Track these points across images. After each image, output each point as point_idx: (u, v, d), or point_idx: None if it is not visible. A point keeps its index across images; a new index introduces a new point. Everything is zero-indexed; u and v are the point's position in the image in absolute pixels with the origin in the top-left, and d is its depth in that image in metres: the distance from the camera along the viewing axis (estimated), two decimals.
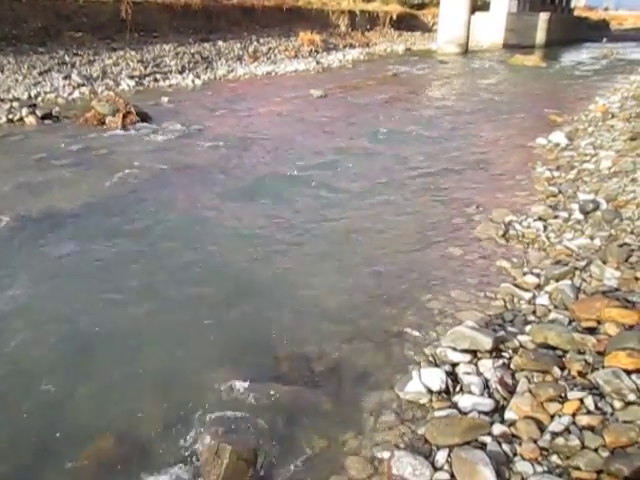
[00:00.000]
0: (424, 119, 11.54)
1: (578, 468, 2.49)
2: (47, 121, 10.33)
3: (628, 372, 2.88)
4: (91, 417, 3.15)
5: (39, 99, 12.34)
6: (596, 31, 47.85)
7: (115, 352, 3.70)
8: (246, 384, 3.36)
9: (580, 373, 3.04)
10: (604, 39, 40.48)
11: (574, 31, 40.83)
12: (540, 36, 33.25)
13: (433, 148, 9.12)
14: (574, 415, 2.75)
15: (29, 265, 4.84)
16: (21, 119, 10.27)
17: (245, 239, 5.50)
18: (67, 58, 14.84)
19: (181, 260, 5.03)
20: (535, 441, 2.70)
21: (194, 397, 3.27)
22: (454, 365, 3.40)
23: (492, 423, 2.87)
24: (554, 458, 2.58)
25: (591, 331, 3.43)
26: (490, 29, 33.04)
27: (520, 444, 2.71)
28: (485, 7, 34.99)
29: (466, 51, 28.45)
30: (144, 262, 4.96)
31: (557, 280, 4.35)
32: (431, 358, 3.56)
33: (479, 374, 3.27)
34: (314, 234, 5.66)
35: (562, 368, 3.14)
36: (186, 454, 2.89)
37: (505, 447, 2.70)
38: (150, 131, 9.89)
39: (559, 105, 12.70)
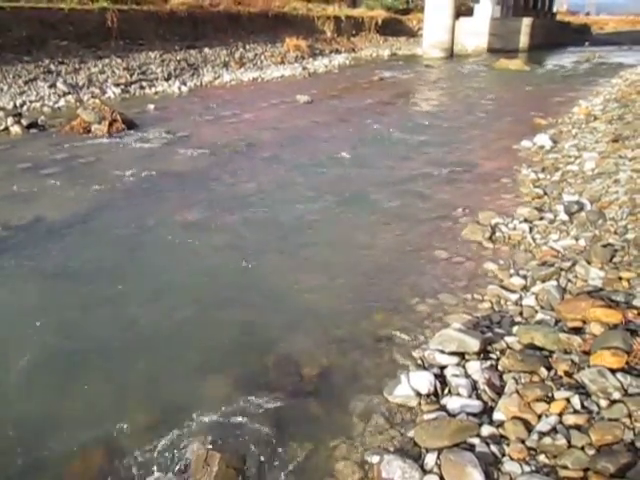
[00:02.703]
0: (410, 123, 11.61)
1: (565, 467, 2.51)
2: (33, 130, 10.26)
3: (613, 371, 2.91)
4: (77, 428, 3.12)
5: (24, 108, 12.25)
6: (578, 35, 48.52)
7: (101, 360, 3.67)
8: (234, 390, 3.35)
9: (566, 373, 3.07)
10: (586, 43, 41.07)
11: (557, 35, 41.38)
12: (523, 40, 33.67)
13: (419, 152, 9.18)
14: (561, 415, 2.77)
15: (5, 276, 4.79)
16: (6, 129, 10.19)
17: (232, 247, 5.48)
18: (52, 67, 14.76)
19: (166, 268, 5.01)
20: (523, 441, 2.71)
21: (182, 405, 3.25)
22: (442, 368, 3.42)
23: (480, 424, 2.88)
24: (542, 458, 2.60)
25: (577, 331, 3.46)
26: (474, 34, 33.39)
27: (508, 444, 2.72)
28: (469, 12, 35.35)
29: (451, 55, 28.71)
30: (129, 270, 4.93)
31: (543, 281, 4.39)
32: (419, 361, 3.57)
33: (467, 376, 3.29)
34: (300, 240, 5.66)
35: (549, 368, 3.16)
36: (175, 462, 2.87)
37: (493, 448, 2.71)
38: (136, 139, 9.86)
39: (543, 108, 12.85)
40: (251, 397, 3.29)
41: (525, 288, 4.46)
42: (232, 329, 4.06)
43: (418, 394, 3.22)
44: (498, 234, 5.61)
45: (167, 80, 16.34)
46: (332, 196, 6.96)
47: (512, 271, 4.80)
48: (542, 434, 2.69)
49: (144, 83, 15.56)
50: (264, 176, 7.78)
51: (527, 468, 2.56)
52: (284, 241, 5.63)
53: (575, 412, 2.76)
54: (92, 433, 3.05)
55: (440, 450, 2.74)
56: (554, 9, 47.82)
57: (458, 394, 3.16)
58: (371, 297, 4.49)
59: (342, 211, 6.47)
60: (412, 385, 3.26)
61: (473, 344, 3.47)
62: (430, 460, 2.71)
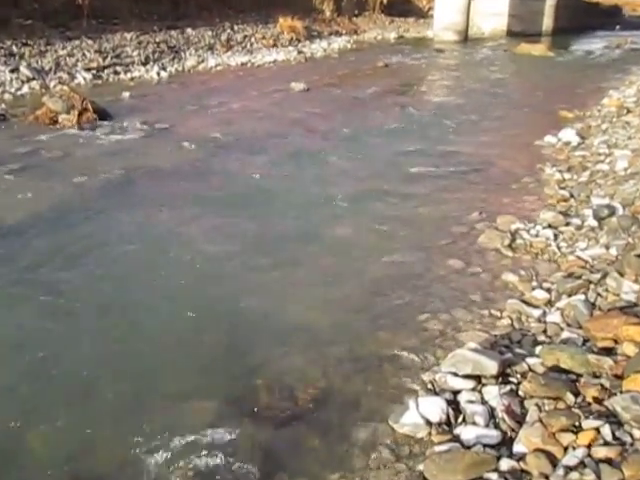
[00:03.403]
0: (419, 115, 11.66)
1: None
2: None
3: None
4: (46, 457, 3.10)
5: None
6: (608, 18, 48.75)
7: (73, 382, 3.67)
8: (218, 419, 3.34)
9: (596, 399, 3.07)
10: (617, 26, 41.25)
11: (584, 18, 41.57)
12: (547, 23, 33.81)
13: (430, 148, 9.21)
14: (589, 447, 2.77)
15: None
16: None
17: (218, 252, 5.48)
18: (15, 49, 14.74)
19: (143, 278, 5.01)
20: (547, 477, 2.71)
21: (156, 436, 3.23)
22: (456, 393, 3.42)
23: (499, 458, 2.88)
24: None
25: (607, 352, 3.47)
26: (492, 15, 33.55)
27: None
28: None
29: (465, 39, 28.82)
30: (99, 283, 4.93)
31: (569, 295, 4.41)
32: (430, 385, 3.57)
33: (484, 402, 3.29)
34: (296, 245, 5.66)
35: (576, 394, 3.17)
36: None
37: None
38: (109, 130, 9.86)
39: (569, 99, 12.91)
40: (237, 426, 3.29)
41: (549, 303, 4.47)
42: (216, 347, 4.06)
43: (428, 423, 3.21)
44: (519, 241, 5.63)
45: (144, 65, 16.34)
46: (330, 196, 6.98)
47: (534, 283, 4.81)
48: (568, 469, 2.69)
49: (119, 68, 15.56)
50: (254, 174, 7.79)
51: None
52: (277, 246, 5.63)
53: (606, 444, 2.76)
54: (60, 461, 3.04)
55: None
56: None
57: (473, 423, 3.16)
58: (375, 311, 4.50)
59: (342, 214, 6.49)
60: (421, 412, 3.25)
61: (490, 366, 3.47)
62: None
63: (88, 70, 14.89)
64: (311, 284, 4.95)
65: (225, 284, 4.96)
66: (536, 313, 4.32)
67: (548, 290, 4.64)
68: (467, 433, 3.09)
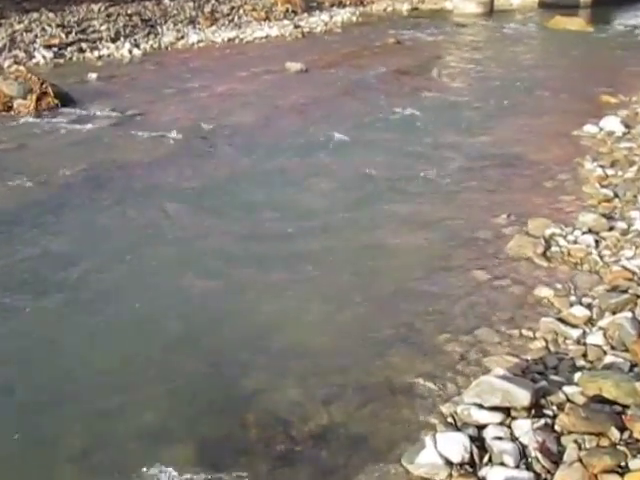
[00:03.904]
0: (437, 101, 11.66)
1: None
2: None
3: None
4: None
5: None
6: None
7: (32, 417, 3.68)
8: (202, 461, 3.33)
9: None
10: None
11: None
12: None
13: (449, 140, 9.20)
14: None
15: None
16: None
17: (202, 262, 5.49)
18: None
19: (113, 294, 5.02)
20: None
21: None
22: (481, 428, 3.42)
23: None
24: None
25: None
26: None
27: None
28: None
29: (491, 11, 28.88)
30: (50, 303, 4.95)
31: (614, 312, 4.41)
32: (450, 419, 3.57)
33: (514, 439, 3.29)
34: (295, 253, 5.67)
35: (622, 429, 3.17)
36: None
37: None
38: (73, 119, 9.88)
39: (612, 82, 12.92)
40: (224, 469, 3.28)
41: (590, 321, 4.47)
42: (198, 375, 4.06)
43: (448, 463, 3.21)
44: (554, 249, 5.63)
45: (114, 41, 16.39)
46: (333, 196, 6.99)
47: (573, 298, 4.81)
48: None
49: (84, 45, 15.61)
50: (242, 170, 7.81)
51: None
52: (269, 257, 5.64)
53: None
54: None
55: None
56: None
57: (502, 463, 3.15)
58: (386, 332, 4.50)
59: (347, 217, 6.49)
60: (440, 451, 3.25)
61: (522, 396, 3.47)
62: None
63: (48, 47, 14.94)
64: (310, 299, 4.95)
65: (209, 299, 4.97)
66: (575, 333, 4.32)
67: (589, 306, 4.64)
68: (494, 475, 3.08)
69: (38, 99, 10.25)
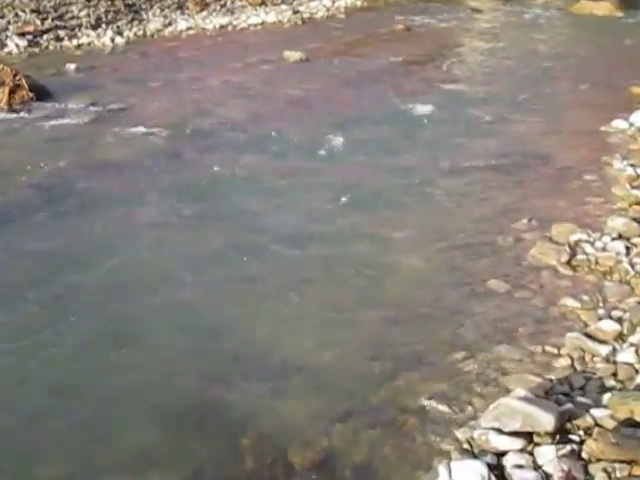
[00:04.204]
0: (451, 95, 11.66)
1: None
2: None
3: None
4: None
5: None
6: None
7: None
8: None
9: None
10: None
11: None
12: None
13: (464, 136, 9.21)
14: None
15: None
16: None
17: (191, 278, 5.49)
18: None
19: (96, 307, 5.03)
20: None
21: None
22: (500, 455, 3.41)
23: None
24: None
25: None
26: None
27: None
28: None
29: None
30: (43, 311, 4.96)
31: None
32: (466, 445, 3.56)
33: (536, 467, 3.28)
34: (294, 261, 5.69)
35: None
36: None
37: None
38: (49, 114, 9.88)
39: None
40: None
41: (620, 337, 4.46)
42: (191, 394, 4.06)
43: None
44: (580, 257, 5.63)
45: (95, 28, 16.42)
46: (335, 201, 6.99)
47: (601, 311, 4.81)
48: None
49: (62, 32, 15.64)
50: (233, 173, 7.76)
51: None
52: (267, 265, 5.66)
53: None
54: None
55: None
56: None
57: None
58: (395, 349, 4.50)
59: (351, 224, 6.48)
60: None
61: (545, 420, 3.46)
62: None
63: (22, 35, 14.96)
64: (312, 313, 4.94)
65: (198, 313, 4.97)
66: (603, 350, 4.31)
67: (619, 320, 4.64)
68: None
69: (11, 92, 10.26)
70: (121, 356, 4.46)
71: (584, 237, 5.91)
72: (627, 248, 5.65)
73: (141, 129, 9.23)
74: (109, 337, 4.69)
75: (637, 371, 4.01)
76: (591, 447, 3.31)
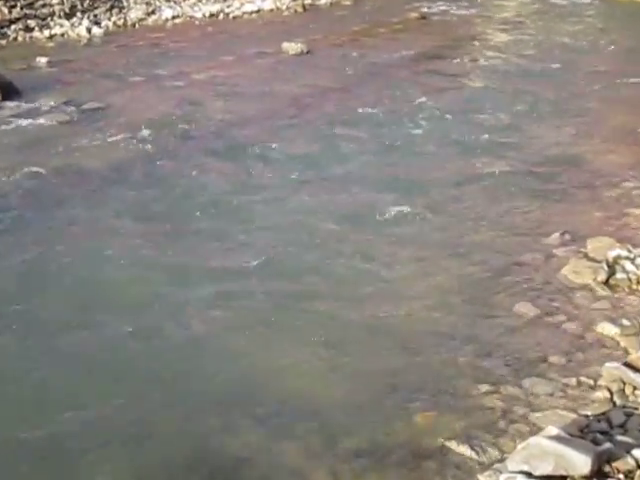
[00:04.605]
0: (472, 90, 11.68)
1: None
2: None
3: None
4: None
5: None
6: None
7: None
8: None
9: None
10: None
11: None
12: None
13: (488, 140, 9.20)
14: None
15: None
16: None
17: (176, 293, 5.51)
18: None
19: (68, 333, 5.04)
20: None
21: None
22: None
23: None
24: None
25: None
26: None
27: None
28: None
29: None
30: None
31: None
32: None
33: None
34: (294, 287, 5.69)
35: None
36: None
37: None
38: (17, 113, 9.94)
39: None
40: None
41: None
42: (181, 434, 4.06)
43: None
44: (619, 275, 5.62)
45: (69, 17, 16.48)
46: (343, 214, 7.03)
47: None
48: None
49: (32, 22, 15.69)
50: (224, 185, 7.75)
51: None
52: (265, 284, 5.67)
53: None
54: None
55: None
56: None
57: None
58: (409, 382, 4.49)
59: (360, 240, 6.52)
60: None
61: (581, 462, 3.44)
62: None
63: None
64: (315, 342, 4.92)
65: (188, 343, 4.97)
66: None
67: None
68: None
69: None
70: (105, 389, 4.47)
71: (624, 253, 5.89)
72: None
73: (120, 132, 9.24)
74: (86, 365, 4.70)
75: None
76: None
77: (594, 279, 5.58)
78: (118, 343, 4.95)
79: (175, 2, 19.09)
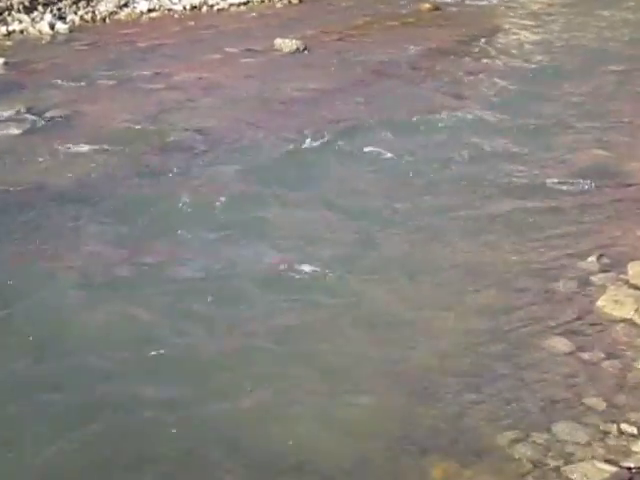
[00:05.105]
0: (497, 92, 11.67)
1: None
2: None
3: None
4: None
5: None
6: None
7: None
8: None
9: None
10: None
11: None
12: None
13: (513, 148, 9.22)
14: None
15: None
16: None
17: (151, 331, 5.55)
18: None
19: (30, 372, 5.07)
20: None
21: None
22: None
23: None
24: None
25: None
26: None
27: None
28: None
29: None
30: None
31: None
32: None
33: None
34: (284, 321, 5.74)
35: None
36: None
37: None
38: None
39: None
40: None
41: None
42: None
43: None
44: None
45: (29, 11, 16.49)
46: (342, 236, 7.10)
47: None
48: None
49: None
50: (211, 204, 7.66)
51: None
52: (253, 326, 5.71)
53: None
54: None
55: None
56: None
57: None
58: (426, 429, 4.51)
59: (367, 264, 6.56)
60: None
61: None
62: None
63: None
64: (311, 384, 4.96)
65: (164, 387, 4.99)
66: None
67: None
68: None
69: None
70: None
71: None
72: None
73: (87, 144, 9.24)
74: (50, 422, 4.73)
75: None
76: None
77: (636, 310, 5.59)
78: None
79: None
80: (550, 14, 18.13)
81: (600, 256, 6.45)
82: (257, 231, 7.19)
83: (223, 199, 7.74)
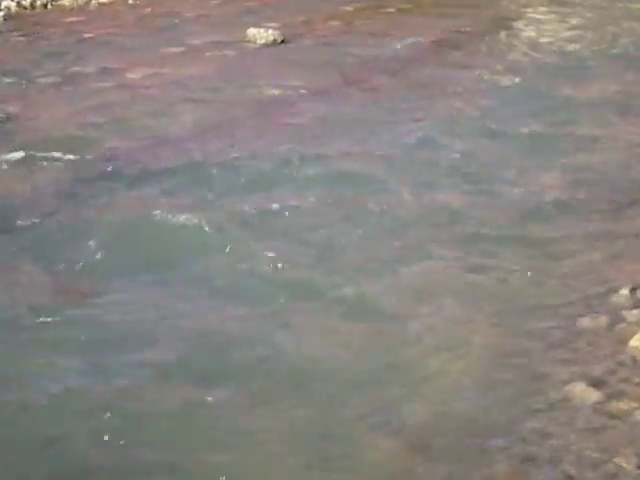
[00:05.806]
0: (509, 91, 11.79)
1: None
2: None
3: None
4: None
5: None
6: None
7: None
8: None
9: None
10: None
11: None
12: None
13: (532, 158, 9.31)
14: None
15: None
16: None
17: (112, 369, 5.53)
18: None
19: None
20: None
21: None
22: None
23: None
24: None
25: None
26: None
27: None
28: None
29: None
30: None
31: None
32: None
33: None
34: (267, 356, 5.73)
35: None
36: None
37: None
38: None
39: None
40: None
41: None
42: None
43: None
44: None
45: None
46: (335, 262, 7.15)
47: None
48: None
49: None
50: (160, 229, 7.63)
51: None
52: (235, 354, 5.73)
53: None
54: None
55: None
56: None
57: None
58: None
59: (358, 295, 6.54)
60: None
61: None
62: None
63: None
64: (299, 439, 4.95)
65: (129, 441, 4.98)
66: None
67: None
68: None
69: None
70: None
71: None
72: None
73: (21, 153, 9.26)
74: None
75: None
76: None
77: None
78: None
79: None
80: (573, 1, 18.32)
81: (634, 290, 6.46)
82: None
83: (168, 217, 7.77)
